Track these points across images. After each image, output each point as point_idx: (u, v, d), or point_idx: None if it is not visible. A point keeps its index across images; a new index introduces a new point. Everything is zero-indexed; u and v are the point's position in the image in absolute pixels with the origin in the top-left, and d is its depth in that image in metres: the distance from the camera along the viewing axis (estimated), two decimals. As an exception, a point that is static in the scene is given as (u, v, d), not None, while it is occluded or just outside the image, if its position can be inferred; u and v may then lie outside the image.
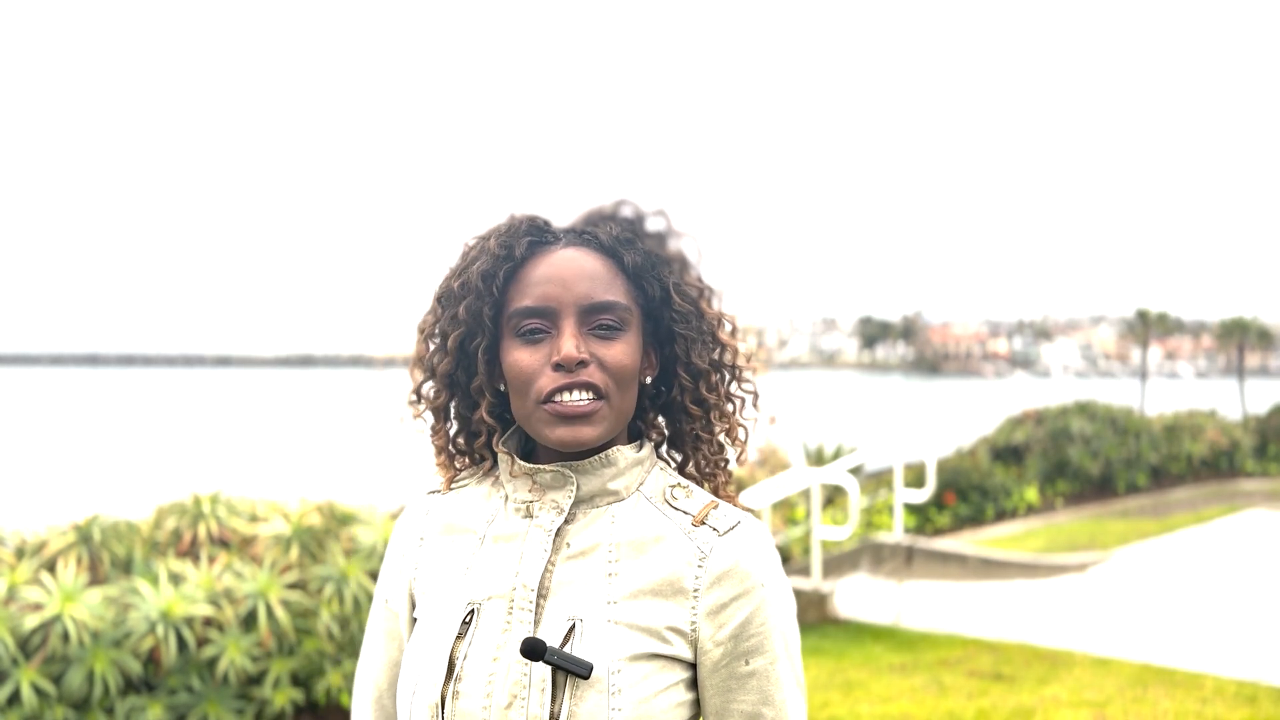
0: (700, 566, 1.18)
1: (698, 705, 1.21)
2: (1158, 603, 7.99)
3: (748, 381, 1.31)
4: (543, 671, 1.13)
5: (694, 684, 1.20)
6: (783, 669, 1.20)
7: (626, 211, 1.25)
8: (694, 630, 1.17)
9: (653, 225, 1.25)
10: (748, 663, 1.18)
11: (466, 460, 1.32)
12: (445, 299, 1.25)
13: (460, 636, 1.18)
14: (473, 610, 1.19)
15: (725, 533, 1.20)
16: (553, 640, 1.14)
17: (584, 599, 1.17)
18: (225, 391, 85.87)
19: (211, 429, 39.35)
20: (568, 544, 1.20)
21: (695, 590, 1.17)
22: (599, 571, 1.18)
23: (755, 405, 1.31)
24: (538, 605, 1.17)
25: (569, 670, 1.12)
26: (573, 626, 1.15)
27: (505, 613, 1.18)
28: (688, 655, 1.18)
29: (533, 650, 1.12)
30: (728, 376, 1.29)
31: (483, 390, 1.25)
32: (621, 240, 1.22)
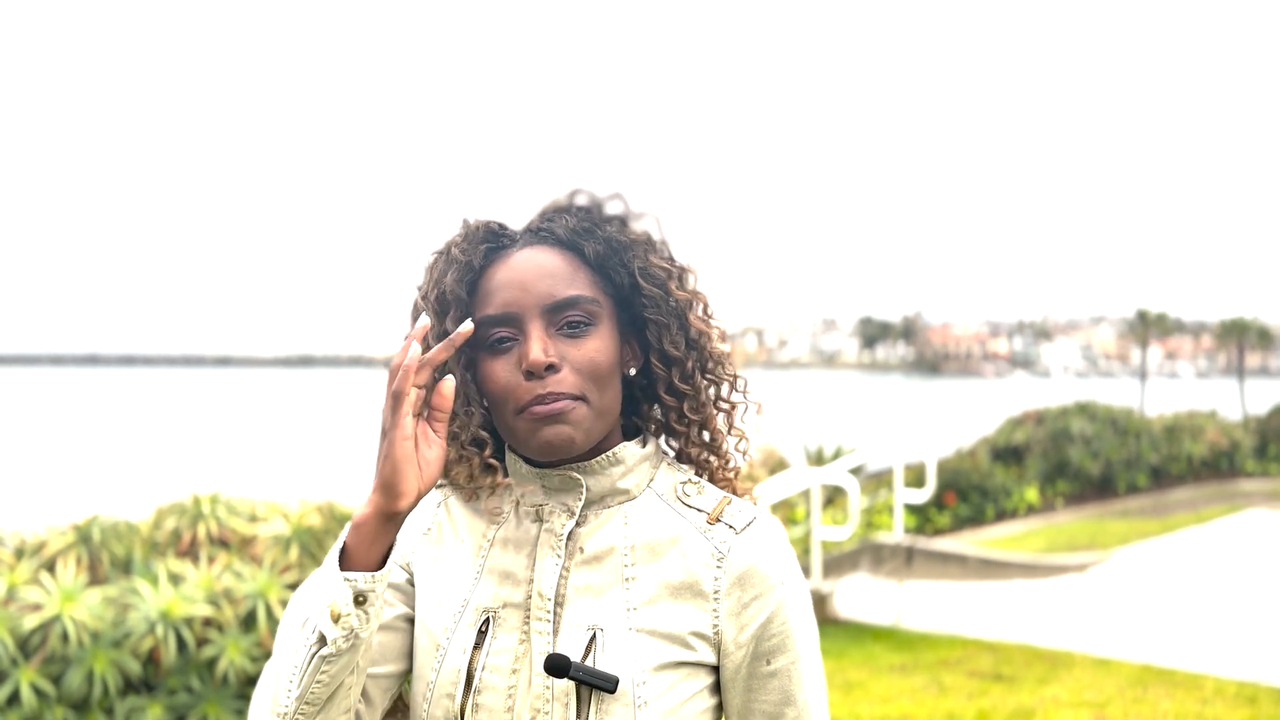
0: (719, 567, 1.15)
1: (721, 709, 1.18)
2: (1158, 603, 7.98)
3: (725, 365, 1.23)
4: (566, 685, 1.10)
5: (717, 688, 1.17)
6: (804, 667, 1.18)
7: (581, 200, 1.19)
8: (717, 633, 1.14)
9: (610, 209, 1.19)
10: (769, 663, 1.15)
11: (476, 475, 1.25)
12: (430, 317, 1.18)
13: (478, 646, 1.15)
14: (488, 619, 1.16)
15: (742, 530, 1.17)
16: (573, 651, 1.11)
17: (602, 606, 1.14)
18: (225, 391, 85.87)
19: (211, 429, 39.33)
20: (581, 548, 1.17)
21: (715, 592, 1.14)
22: (615, 576, 1.15)
23: (737, 389, 1.24)
24: (554, 614, 1.14)
25: (594, 685, 1.09)
26: (593, 637, 1.12)
27: (521, 622, 1.15)
28: (711, 659, 1.15)
29: (557, 667, 1.08)
30: (704, 361, 1.21)
31: (470, 405, 1.19)
32: (579, 231, 1.16)
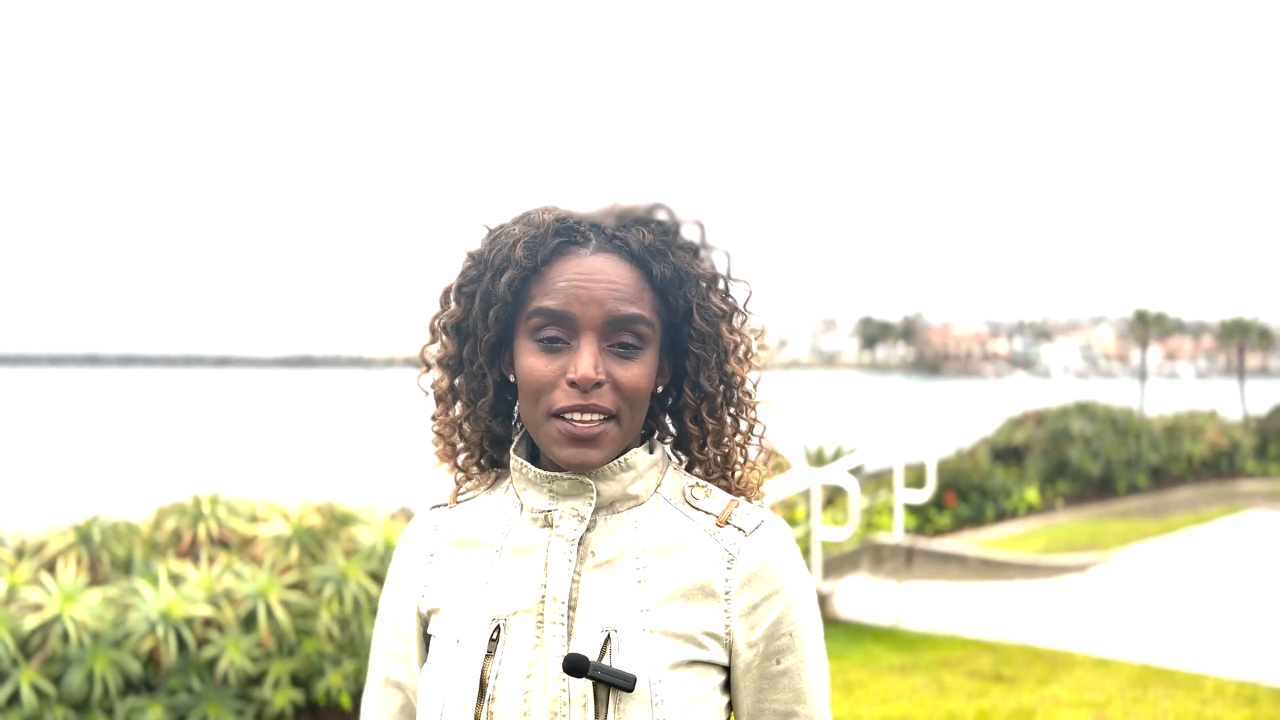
0: (729, 569, 1.17)
1: (730, 708, 1.20)
2: (1158, 603, 7.98)
3: (751, 408, 1.27)
4: (583, 686, 1.11)
5: (728, 687, 1.19)
6: (812, 666, 1.20)
7: (661, 216, 1.19)
8: (728, 633, 1.16)
9: (686, 235, 1.20)
10: (779, 662, 1.18)
11: (482, 466, 1.29)
12: (470, 300, 1.21)
13: (489, 655, 1.15)
14: (499, 626, 1.16)
15: (751, 532, 1.19)
16: (589, 653, 1.12)
17: (615, 609, 1.15)
18: (225, 391, 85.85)
19: (211, 429, 39.34)
20: (592, 553, 1.17)
21: (726, 593, 1.16)
22: (627, 579, 1.16)
23: (757, 436, 1.28)
24: (568, 618, 1.15)
25: (612, 684, 1.09)
26: (608, 638, 1.13)
27: (534, 627, 1.15)
28: (723, 659, 1.17)
29: (576, 666, 1.09)
30: (734, 400, 1.25)
31: (496, 389, 1.24)
32: (653, 250, 1.17)
